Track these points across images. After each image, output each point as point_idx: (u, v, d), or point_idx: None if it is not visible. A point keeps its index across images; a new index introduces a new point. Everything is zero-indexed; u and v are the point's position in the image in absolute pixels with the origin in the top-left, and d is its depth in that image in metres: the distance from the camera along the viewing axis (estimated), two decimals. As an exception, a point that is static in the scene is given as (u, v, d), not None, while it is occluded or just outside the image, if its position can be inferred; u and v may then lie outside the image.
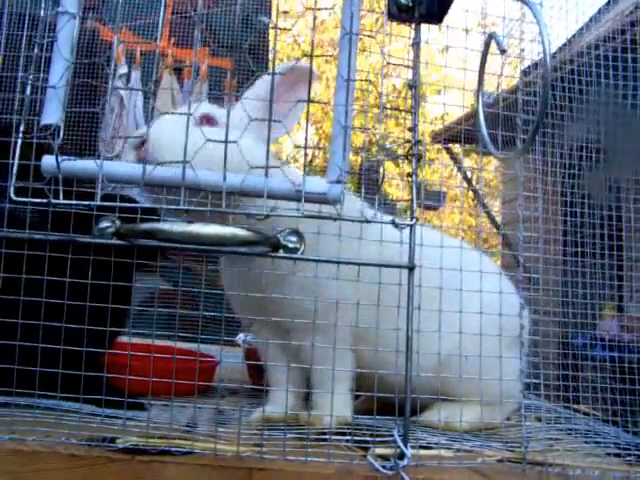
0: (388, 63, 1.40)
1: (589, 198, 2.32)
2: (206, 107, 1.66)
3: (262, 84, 1.67)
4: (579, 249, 2.26)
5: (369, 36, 1.41)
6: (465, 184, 8.12)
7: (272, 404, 1.70)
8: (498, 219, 6.37)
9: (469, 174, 7.90)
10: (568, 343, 2.41)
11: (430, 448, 1.43)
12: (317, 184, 1.26)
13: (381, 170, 1.45)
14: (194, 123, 1.42)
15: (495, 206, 7.43)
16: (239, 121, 1.36)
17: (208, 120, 1.63)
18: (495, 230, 6.05)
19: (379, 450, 1.34)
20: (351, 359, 1.67)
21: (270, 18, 5.15)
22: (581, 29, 2.73)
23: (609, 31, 2.64)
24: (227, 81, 4.90)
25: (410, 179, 1.35)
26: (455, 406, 1.65)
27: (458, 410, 1.60)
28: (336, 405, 1.47)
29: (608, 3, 3.65)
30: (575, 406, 1.98)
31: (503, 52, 1.37)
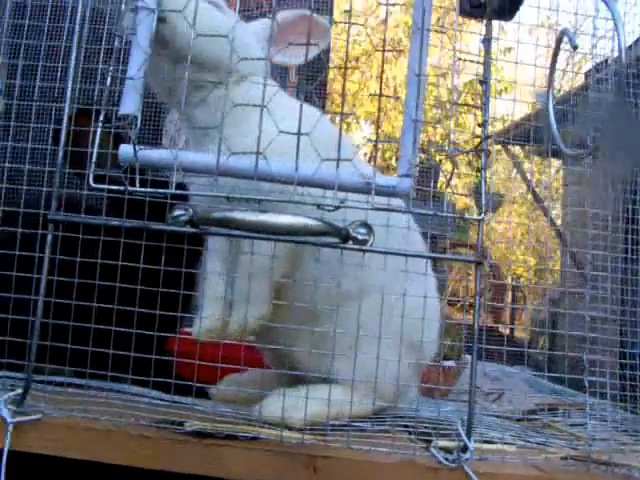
0: (459, 59, 1.40)
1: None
2: None
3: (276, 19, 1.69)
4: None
5: (440, 32, 1.42)
6: (525, 186, 8.03)
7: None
8: (558, 222, 6.29)
9: (529, 177, 7.82)
10: (631, 345, 2.37)
11: (493, 443, 1.43)
12: (387, 177, 1.28)
13: (447, 166, 1.46)
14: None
15: (555, 209, 7.33)
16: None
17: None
18: (554, 233, 5.98)
19: (442, 443, 1.35)
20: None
21: (332, 16, 5.15)
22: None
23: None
24: (290, 79, 4.94)
25: (479, 174, 1.35)
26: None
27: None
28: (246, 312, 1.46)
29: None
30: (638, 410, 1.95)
31: (575, 48, 1.37)
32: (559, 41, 1.44)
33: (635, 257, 2.22)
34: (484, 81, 1.37)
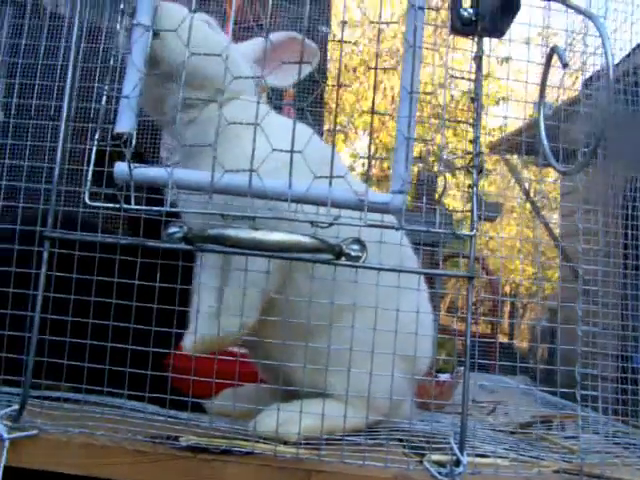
0: (451, 76, 1.42)
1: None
2: (206, 16, 1.70)
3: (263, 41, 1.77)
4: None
5: (432, 49, 1.44)
6: (523, 196, 8.04)
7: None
8: (556, 231, 6.31)
9: (527, 186, 7.84)
10: (628, 358, 2.39)
11: (486, 456, 1.44)
12: (379, 194, 1.30)
13: (440, 181, 1.47)
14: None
15: (553, 218, 7.35)
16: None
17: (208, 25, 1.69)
18: (552, 242, 6.00)
19: (435, 456, 1.36)
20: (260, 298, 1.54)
21: (329, 28, 5.17)
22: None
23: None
24: (287, 91, 4.95)
25: (471, 190, 1.37)
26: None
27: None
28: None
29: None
30: (634, 422, 1.96)
31: (565, 66, 1.38)
32: (549, 58, 1.46)
33: (634, 272, 2.24)
34: (475, 98, 1.38)
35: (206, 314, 1.51)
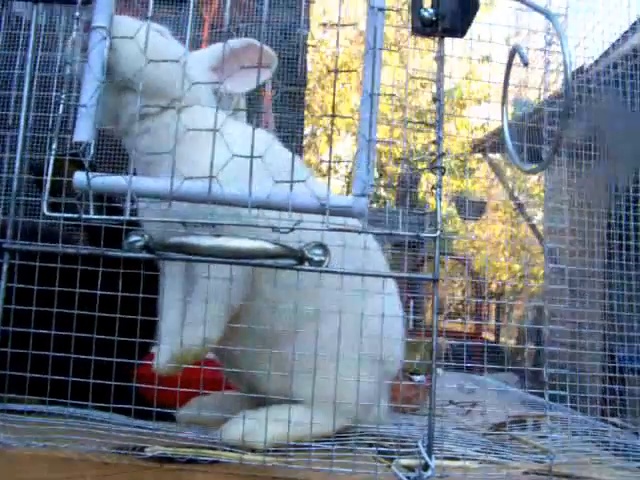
0: (412, 77, 1.41)
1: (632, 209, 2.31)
2: (159, 26, 1.67)
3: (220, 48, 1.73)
4: (624, 262, 2.25)
5: (392, 50, 1.43)
6: (506, 194, 8.07)
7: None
8: (540, 228, 6.33)
9: (511, 185, 7.88)
10: (610, 356, 2.40)
11: (457, 459, 1.43)
12: (341, 197, 1.29)
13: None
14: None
15: (537, 215, 7.38)
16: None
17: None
18: (537, 240, 6.02)
19: (404, 461, 1.35)
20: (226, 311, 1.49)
21: (308, 30, 5.16)
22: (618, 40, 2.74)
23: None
24: (266, 94, 4.94)
25: (435, 191, 1.36)
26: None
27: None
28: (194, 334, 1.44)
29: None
30: (609, 419, 1.96)
31: (526, 64, 1.38)
32: (511, 56, 1.46)
33: (610, 271, 2.25)
34: (437, 99, 1.38)
35: (172, 332, 1.48)
